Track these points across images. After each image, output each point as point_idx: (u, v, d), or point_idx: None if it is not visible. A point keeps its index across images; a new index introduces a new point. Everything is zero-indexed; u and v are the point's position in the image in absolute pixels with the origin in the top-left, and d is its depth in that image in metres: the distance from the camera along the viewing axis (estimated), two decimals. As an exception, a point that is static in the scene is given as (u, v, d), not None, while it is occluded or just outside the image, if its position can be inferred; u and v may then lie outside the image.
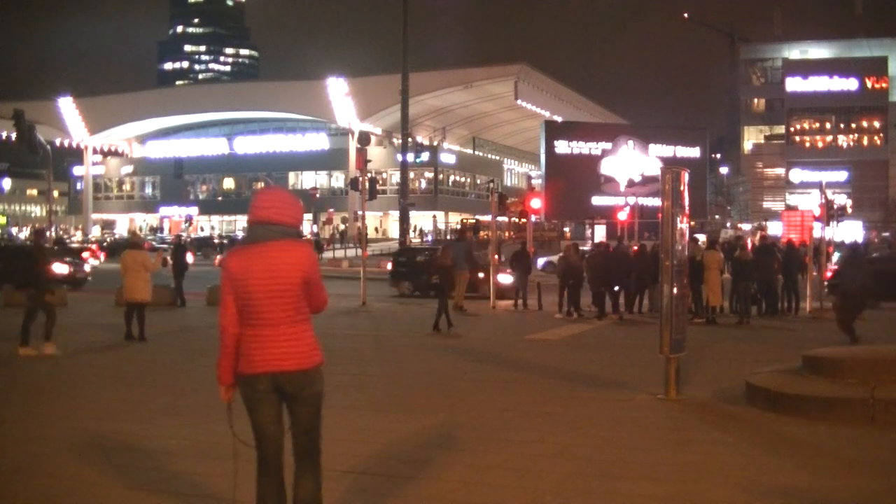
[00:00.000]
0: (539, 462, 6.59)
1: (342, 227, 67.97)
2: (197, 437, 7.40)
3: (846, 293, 14.00)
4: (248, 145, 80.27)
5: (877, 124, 75.25)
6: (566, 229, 62.10)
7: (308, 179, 76.33)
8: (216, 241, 62.46)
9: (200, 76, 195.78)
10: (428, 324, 16.23)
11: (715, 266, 17.98)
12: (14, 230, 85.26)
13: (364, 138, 26.54)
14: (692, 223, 21.80)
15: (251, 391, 4.31)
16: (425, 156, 69.74)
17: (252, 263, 4.28)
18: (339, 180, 74.49)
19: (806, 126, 77.14)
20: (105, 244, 59.68)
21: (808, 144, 76.96)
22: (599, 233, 52.63)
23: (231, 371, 4.37)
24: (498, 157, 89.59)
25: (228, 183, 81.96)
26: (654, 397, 9.18)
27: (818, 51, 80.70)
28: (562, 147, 61.03)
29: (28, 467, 6.48)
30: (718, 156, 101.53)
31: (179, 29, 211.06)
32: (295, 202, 4.48)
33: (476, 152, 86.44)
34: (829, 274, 18.94)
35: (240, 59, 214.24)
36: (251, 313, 4.29)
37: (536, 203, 27.24)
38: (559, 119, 69.98)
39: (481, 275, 23.41)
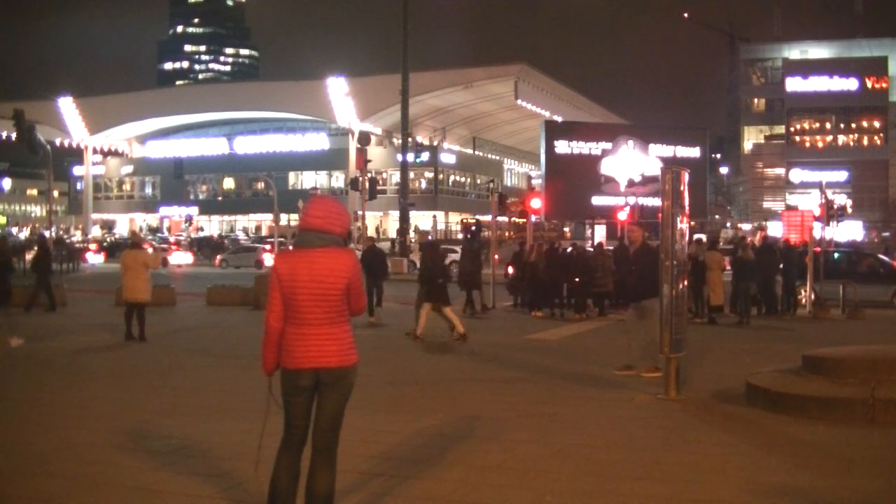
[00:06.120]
0: (539, 462, 6.59)
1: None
2: (198, 437, 7.40)
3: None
4: (248, 145, 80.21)
5: (877, 124, 75.24)
6: (566, 229, 62.10)
7: (308, 179, 76.29)
8: (216, 240, 62.50)
9: (200, 76, 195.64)
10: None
11: (716, 266, 17.97)
12: (14, 230, 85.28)
13: (364, 138, 26.54)
14: (692, 223, 21.80)
15: (293, 386, 4.65)
16: (425, 156, 69.67)
17: (298, 267, 4.63)
18: (339, 180, 74.43)
19: (806, 126, 77.12)
20: (105, 244, 59.76)
21: (808, 144, 76.95)
22: (599, 233, 52.62)
23: (273, 362, 4.73)
24: (498, 157, 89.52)
25: (228, 183, 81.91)
26: (654, 397, 9.18)
27: (818, 51, 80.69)
28: (562, 147, 60.89)
29: (28, 467, 6.49)
30: (718, 156, 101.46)
31: (179, 29, 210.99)
32: (343, 212, 4.83)
33: (476, 152, 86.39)
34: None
35: (240, 59, 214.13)
36: (294, 313, 4.64)
37: (536, 203, 27.26)
38: (559, 119, 69.91)
39: None
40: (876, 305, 20.90)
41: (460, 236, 53.84)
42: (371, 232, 50.58)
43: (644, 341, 10.81)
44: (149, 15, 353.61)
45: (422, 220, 67.54)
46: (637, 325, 11.17)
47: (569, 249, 21.12)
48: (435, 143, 76.51)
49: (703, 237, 27.32)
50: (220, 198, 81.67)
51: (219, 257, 48.93)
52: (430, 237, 21.29)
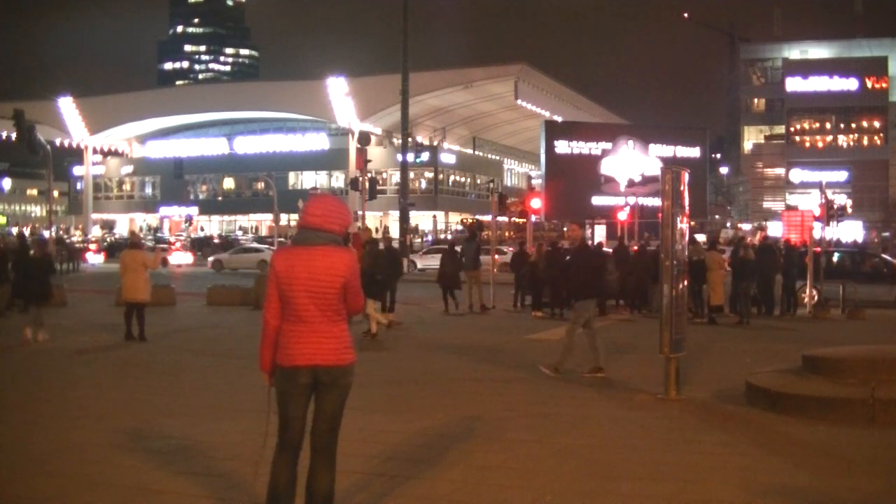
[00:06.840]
0: (539, 462, 6.59)
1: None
2: (198, 437, 7.40)
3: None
4: (248, 145, 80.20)
5: (877, 124, 75.23)
6: (566, 229, 61.96)
7: (308, 179, 76.27)
8: (216, 240, 62.51)
9: (200, 76, 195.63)
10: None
11: (717, 266, 17.96)
12: (14, 230, 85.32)
13: (364, 138, 26.49)
14: (692, 223, 21.80)
15: (289, 384, 4.61)
16: (425, 156, 69.63)
17: (296, 265, 4.61)
18: (339, 180, 74.40)
19: (806, 126, 77.11)
20: (105, 244, 59.78)
21: (808, 144, 76.94)
22: (599, 233, 52.63)
23: (271, 359, 4.70)
24: (498, 157, 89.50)
25: (228, 183, 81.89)
26: (654, 397, 9.18)
27: (818, 51, 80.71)
28: (562, 147, 60.91)
29: (28, 467, 6.49)
30: (718, 156, 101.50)
31: (179, 29, 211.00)
32: (343, 211, 4.78)
33: (476, 152, 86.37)
34: None
35: (240, 59, 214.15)
36: (291, 310, 4.62)
37: (536, 203, 27.31)
38: (559, 119, 69.90)
39: None
40: (880, 305, 20.92)
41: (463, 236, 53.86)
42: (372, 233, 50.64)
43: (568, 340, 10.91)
44: (149, 15, 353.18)
45: (422, 219, 67.51)
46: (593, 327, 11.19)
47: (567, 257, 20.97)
48: (435, 143, 76.49)
49: (703, 237, 27.32)
50: (220, 198, 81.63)
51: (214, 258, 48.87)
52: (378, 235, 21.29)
